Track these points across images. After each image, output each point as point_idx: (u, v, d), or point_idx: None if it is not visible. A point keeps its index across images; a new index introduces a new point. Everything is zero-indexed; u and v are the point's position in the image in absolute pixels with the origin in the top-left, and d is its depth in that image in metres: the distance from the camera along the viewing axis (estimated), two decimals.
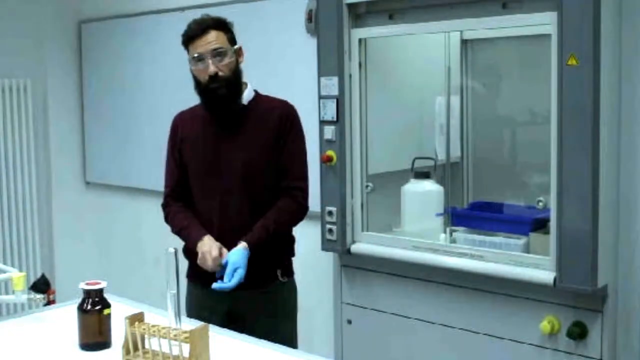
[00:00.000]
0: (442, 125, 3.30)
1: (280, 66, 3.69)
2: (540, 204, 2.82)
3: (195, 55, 2.51)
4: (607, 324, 2.52)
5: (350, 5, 3.01)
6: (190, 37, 2.52)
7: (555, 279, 2.52)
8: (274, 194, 2.60)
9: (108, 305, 2.14)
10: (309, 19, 3.52)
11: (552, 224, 2.54)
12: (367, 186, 3.10)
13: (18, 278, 2.39)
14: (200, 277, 2.58)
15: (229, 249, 2.48)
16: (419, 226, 3.11)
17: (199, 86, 2.55)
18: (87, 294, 2.12)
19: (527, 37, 3.02)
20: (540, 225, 2.77)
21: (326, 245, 3.16)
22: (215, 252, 2.46)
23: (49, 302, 2.45)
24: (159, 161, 4.06)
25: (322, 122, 3.11)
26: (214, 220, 2.60)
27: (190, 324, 2.10)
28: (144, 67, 4.50)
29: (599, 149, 2.43)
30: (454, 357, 2.90)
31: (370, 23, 3.01)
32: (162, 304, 2.23)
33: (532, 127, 3.23)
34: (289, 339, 2.58)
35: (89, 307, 2.11)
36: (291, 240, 2.72)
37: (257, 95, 2.66)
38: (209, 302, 2.53)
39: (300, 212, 2.64)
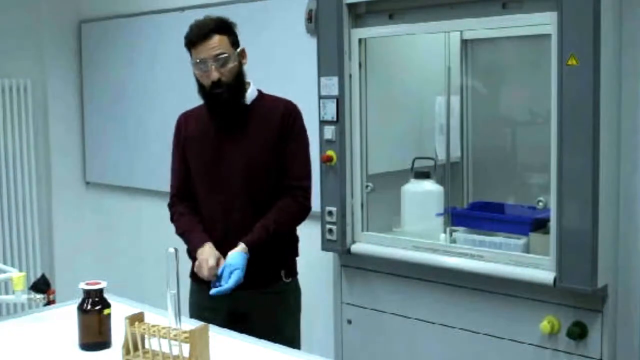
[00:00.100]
0: (442, 125, 3.30)
1: (280, 66, 3.69)
2: (540, 204, 2.82)
3: (198, 60, 2.51)
4: (607, 324, 2.52)
5: (350, 5, 3.01)
6: (192, 42, 2.51)
7: (555, 279, 2.52)
8: (277, 193, 2.59)
9: (108, 305, 2.13)
10: (309, 19, 3.52)
11: (552, 224, 2.54)
12: (367, 186, 3.10)
13: (18, 278, 2.39)
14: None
15: (232, 248, 2.48)
16: (419, 226, 3.11)
17: (202, 90, 2.55)
18: (87, 294, 2.12)
19: (527, 37, 3.02)
20: (540, 225, 2.77)
21: (326, 245, 3.16)
22: (212, 262, 2.46)
23: (49, 302, 2.45)
24: (159, 161, 4.06)
25: (322, 122, 3.11)
26: (217, 220, 2.60)
27: (190, 324, 2.10)
28: (144, 67, 4.50)
29: (599, 149, 2.43)
30: (454, 357, 2.90)
31: (370, 23, 3.01)
32: (162, 304, 2.23)
33: (532, 127, 3.24)
34: (292, 340, 2.58)
35: (89, 307, 2.11)
36: (295, 240, 2.71)
37: (260, 95, 2.65)
38: (211, 302, 2.53)
39: (301, 211, 2.62)
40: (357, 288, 3.19)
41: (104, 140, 4.86)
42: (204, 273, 2.47)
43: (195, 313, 2.65)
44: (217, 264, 2.47)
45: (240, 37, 2.60)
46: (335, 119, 3.06)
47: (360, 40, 3.03)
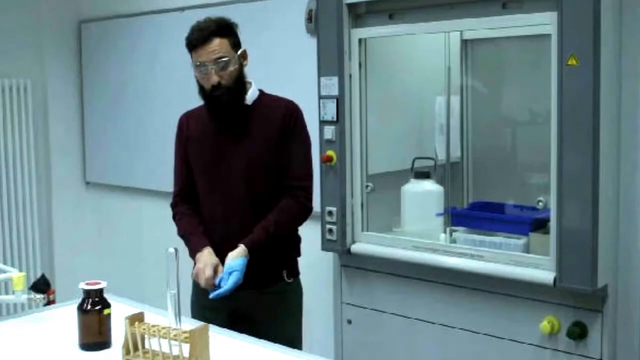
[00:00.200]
0: (442, 125, 3.30)
1: (280, 66, 3.68)
2: (540, 204, 2.82)
3: (198, 63, 2.51)
4: (607, 324, 2.52)
5: (350, 5, 3.01)
6: (192, 45, 2.51)
7: (555, 279, 2.52)
8: (278, 193, 2.59)
9: (108, 305, 2.14)
10: (309, 19, 3.52)
11: (552, 224, 2.54)
12: (367, 186, 3.10)
13: (18, 278, 2.39)
14: None
15: (232, 249, 2.48)
16: (419, 226, 3.11)
17: (203, 91, 2.55)
18: (87, 294, 2.12)
19: (527, 37, 3.02)
20: (540, 225, 2.77)
21: (326, 245, 3.16)
22: (209, 272, 2.44)
23: (49, 302, 2.45)
24: (159, 161, 4.07)
25: (322, 122, 3.11)
26: (218, 220, 2.59)
27: (191, 324, 2.10)
28: (144, 67, 4.50)
29: (599, 149, 2.43)
30: (454, 357, 2.90)
31: (370, 23, 3.01)
32: (162, 304, 2.23)
33: (532, 127, 3.24)
34: (293, 340, 2.58)
35: (89, 307, 2.11)
36: (297, 240, 2.70)
37: (262, 95, 2.64)
38: (213, 302, 2.52)
39: (302, 212, 2.61)
40: (357, 288, 3.19)
41: (104, 140, 4.86)
42: (202, 283, 2.47)
43: (196, 313, 2.65)
44: (216, 271, 2.46)
45: (240, 38, 2.59)
46: (335, 119, 3.06)
47: (360, 40, 3.03)
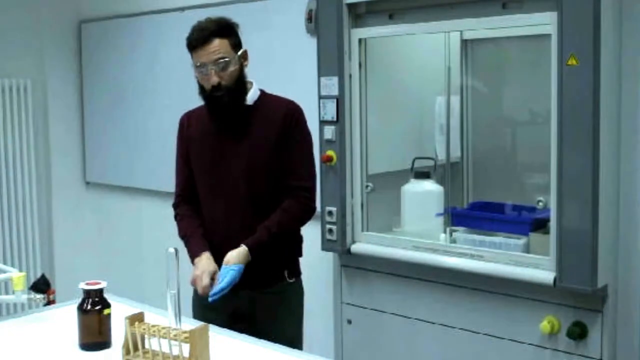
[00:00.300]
0: (442, 125, 3.30)
1: (280, 66, 3.68)
2: (540, 204, 2.83)
3: (198, 64, 2.50)
4: (607, 324, 2.52)
5: (350, 5, 3.01)
6: (192, 45, 2.50)
7: (555, 279, 2.52)
8: (280, 194, 2.59)
9: (108, 305, 2.13)
10: (309, 19, 3.52)
11: (552, 224, 2.54)
12: (367, 186, 3.10)
13: (18, 278, 2.39)
14: None
15: (234, 249, 2.48)
16: (419, 226, 3.11)
17: (203, 91, 2.55)
18: (87, 294, 2.12)
19: (527, 37, 3.02)
20: (540, 225, 2.77)
21: (326, 245, 3.16)
22: (206, 280, 2.44)
23: (49, 302, 2.45)
24: (159, 161, 4.07)
25: (322, 122, 3.11)
26: (218, 221, 2.59)
27: (191, 324, 2.10)
28: (144, 67, 4.50)
29: (599, 149, 2.43)
30: (454, 357, 2.90)
31: (370, 23, 3.02)
32: (162, 304, 2.23)
33: (532, 127, 3.24)
34: (294, 340, 2.57)
35: (89, 307, 2.11)
36: (299, 240, 2.69)
37: (263, 95, 2.63)
38: (214, 302, 2.53)
39: (305, 212, 2.60)
40: (357, 288, 3.19)
41: (104, 140, 4.86)
42: (199, 290, 2.47)
43: (197, 313, 2.64)
44: (213, 279, 2.45)
45: (240, 38, 2.59)
46: (335, 119, 3.06)
47: (360, 40, 3.03)
